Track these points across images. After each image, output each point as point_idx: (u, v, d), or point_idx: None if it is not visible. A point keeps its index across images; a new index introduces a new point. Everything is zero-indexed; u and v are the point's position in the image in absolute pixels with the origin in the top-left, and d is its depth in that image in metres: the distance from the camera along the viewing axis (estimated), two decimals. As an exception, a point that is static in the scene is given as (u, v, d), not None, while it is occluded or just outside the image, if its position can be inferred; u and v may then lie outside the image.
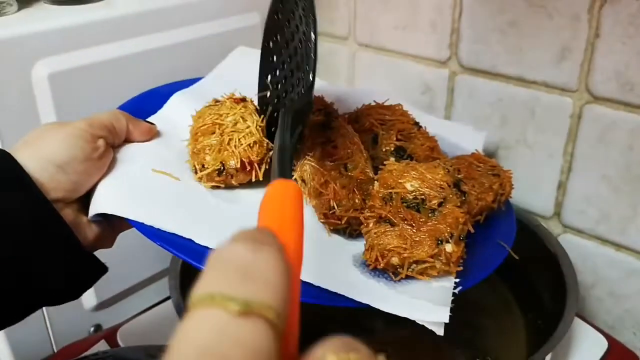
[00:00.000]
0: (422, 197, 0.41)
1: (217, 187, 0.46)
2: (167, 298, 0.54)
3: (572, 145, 0.60)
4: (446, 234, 0.40)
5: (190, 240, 0.39)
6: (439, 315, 0.38)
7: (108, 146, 0.43)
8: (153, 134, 0.48)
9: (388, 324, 0.57)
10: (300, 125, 0.42)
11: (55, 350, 0.62)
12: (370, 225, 0.42)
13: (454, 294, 0.39)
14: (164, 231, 0.40)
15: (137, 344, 0.46)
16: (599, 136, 0.58)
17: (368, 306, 0.38)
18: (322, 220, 0.44)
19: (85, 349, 0.56)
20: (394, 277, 0.41)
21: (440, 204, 0.41)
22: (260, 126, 0.46)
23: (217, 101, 0.49)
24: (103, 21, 0.58)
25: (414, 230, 0.41)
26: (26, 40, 0.53)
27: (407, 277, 0.41)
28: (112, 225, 0.44)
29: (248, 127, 0.46)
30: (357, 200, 0.44)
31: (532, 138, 0.63)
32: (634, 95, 0.55)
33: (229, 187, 0.46)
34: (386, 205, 0.42)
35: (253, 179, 0.45)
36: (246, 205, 0.44)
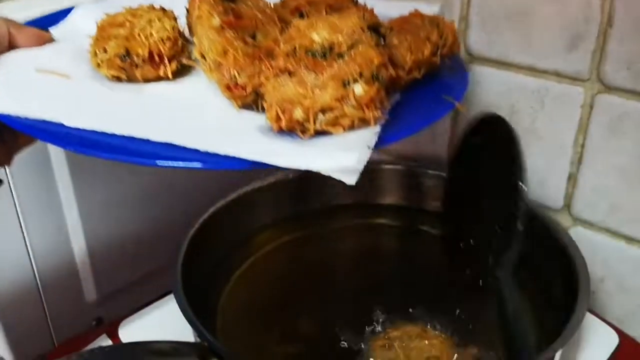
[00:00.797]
0: (331, 45, 0.37)
1: (119, 80, 0.42)
2: (170, 292, 0.53)
3: (583, 136, 0.59)
4: (354, 74, 0.35)
5: (60, 124, 0.36)
6: (345, 159, 0.33)
7: None
8: (44, 40, 0.45)
9: (398, 317, 0.56)
10: None
11: (56, 344, 0.61)
12: (270, 82, 0.37)
13: (376, 144, 0.35)
14: (33, 119, 0.37)
15: (139, 338, 0.45)
16: (610, 127, 0.57)
17: (262, 164, 0.33)
18: (226, 95, 0.40)
19: (86, 343, 0.55)
20: (302, 135, 0.36)
21: (350, 48, 0.37)
22: (177, 29, 0.44)
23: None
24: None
25: (316, 76, 0.36)
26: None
27: (320, 134, 0.36)
28: (1, 139, 0.43)
29: (164, 26, 0.43)
30: (264, 68, 0.39)
31: (542, 129, 0.62)
32: (648, 84, 0.53)
33: (132, 81, 0.43)
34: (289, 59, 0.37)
35: (162, 74, 0.43)
36: (148, 96, 0.41)
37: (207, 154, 0.34)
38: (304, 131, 0.36)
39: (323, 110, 0.35)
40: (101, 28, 0.44)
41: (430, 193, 0.67)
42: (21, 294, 0.58)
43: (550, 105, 0.60)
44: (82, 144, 0.36)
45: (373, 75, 0.36)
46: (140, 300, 0.60)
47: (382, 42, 0.40)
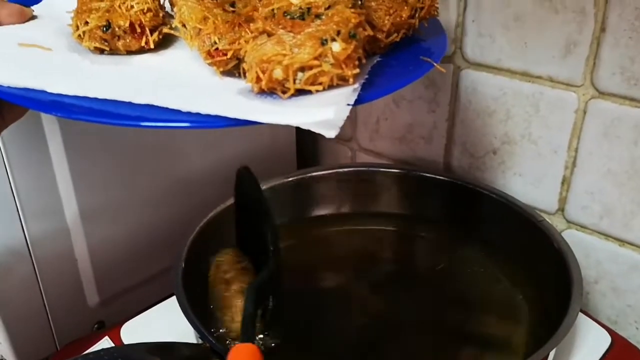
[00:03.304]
0: (309, 7, 0.38)
1: (101, 52, 0.43)
2: (171, 295, 0.54)
3: (576, 140, 0.60)
4: (331, 32, 0.36)
5: (42, 91, 0.37)
6: (324, 114, 0.33)
7: None
8: (26, 16, 0.45)
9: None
10: (271, 296, 0.46)
11: (58, 348, 0.62)
12: (249, 44, 0.38)
13: (355, 102, 0.35)
14: (16, 87, 0.37)
15: (140, 340, 0.46)
16: (603, 131, 0.58)
17: (245, 122, 0.33)
18: (208, 62, 0.40)
19: (89, 346, 0.55)
20: (282, 95, 0.36)
21: (327, 9, 0.37)
22: (158, 1, 0.45)
23: None
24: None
25: (295, 35, 0.36)
26: None
27: (300, 93, 0.36)
28: None
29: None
30: (243, 34, 0.39)
31: (537, 133, 0.63)
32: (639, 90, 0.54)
33: (115, 53, 0.43)
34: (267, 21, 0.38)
35: (143, 44, 0.43)
36: (130, 67, 0.42)
37: (189, 114, 0.35)
38: (284, 91, 0.36)
39: (302, 69, 0.36)
40: (82, 2, 0.44)
41: (426, 197, 0.68)
42: (24, 298, 0.58)
43: (545, 110, 0.61)
44: (65, 109, 0.36)
45: (350, 34, 0.37)
46: (142, 303, 0.60)
47: (360, 3, 0.40)
